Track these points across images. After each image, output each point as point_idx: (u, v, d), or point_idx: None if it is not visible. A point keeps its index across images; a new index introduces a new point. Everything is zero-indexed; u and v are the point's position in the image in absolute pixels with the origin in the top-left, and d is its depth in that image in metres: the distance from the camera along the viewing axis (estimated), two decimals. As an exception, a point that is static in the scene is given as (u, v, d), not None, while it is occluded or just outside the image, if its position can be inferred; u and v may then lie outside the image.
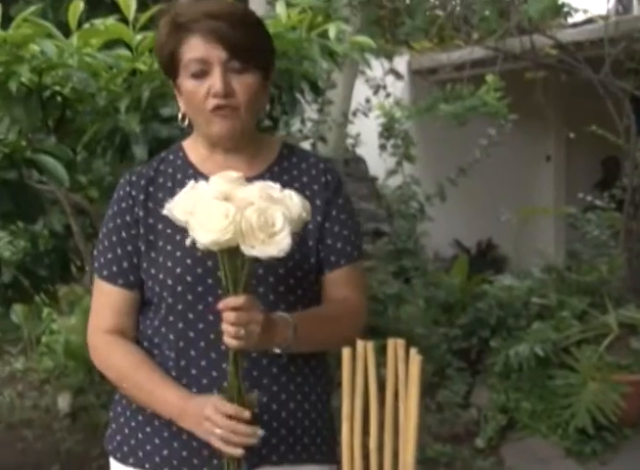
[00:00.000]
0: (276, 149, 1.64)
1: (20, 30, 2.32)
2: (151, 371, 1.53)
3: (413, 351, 1.23)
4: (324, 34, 2.78)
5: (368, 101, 6.09)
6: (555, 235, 7.30)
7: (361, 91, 6.14)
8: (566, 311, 4.31)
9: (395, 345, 1.25)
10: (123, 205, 1.59)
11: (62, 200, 2.84)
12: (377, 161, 6.42)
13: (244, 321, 1.36)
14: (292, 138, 5.27)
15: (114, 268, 1.57)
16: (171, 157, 1.64)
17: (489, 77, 4.98)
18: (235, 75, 1.49)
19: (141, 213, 1.57)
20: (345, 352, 1.26)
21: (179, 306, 1.52)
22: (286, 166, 1.62)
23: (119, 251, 1.57)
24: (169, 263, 1.52)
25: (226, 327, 1.37)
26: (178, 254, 1.52)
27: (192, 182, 1.42)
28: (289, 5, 2.80)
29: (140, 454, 1.56)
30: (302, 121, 5.37)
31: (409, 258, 5.89)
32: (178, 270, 1.51)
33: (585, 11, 5.45)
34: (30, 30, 2.35)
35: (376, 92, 6.14)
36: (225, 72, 1.48)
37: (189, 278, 1.51)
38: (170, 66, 1.54)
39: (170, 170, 1.61)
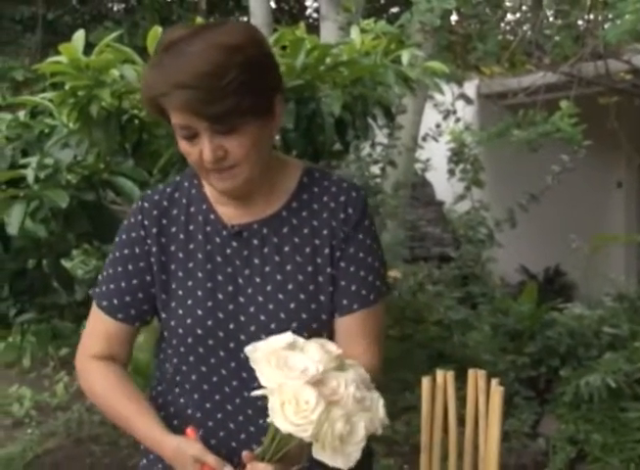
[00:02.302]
0: (296, 177, 1.49)
1: (101, 56, 2.39)
2: (127, 398, 1.46)
3: (494, 382, 1.21)
4: (396, 60, 2.79)
5: (438, 126, 6.07)
6: (626, 263, 7.16)
7: (430, 116, 6.13)
8: (638, 342, 4.20)
9: (476, 375, 1.23)
10: (133, 234, 1.49)
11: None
12: (445, 185, 6.39)
13: None
14: (361, 162, 5.28)
15: (115, 301, 1.49)
16: (186, 184, 1.52)
17: (564, 103, 4.92)
18: (225, 137, 1.33)
19: (154, 249, 1.47)
20: (425, 381, 1.25)
21: (191, 358, 1.46)
22: (305, 200, 1.48)
23: (123, 284, 1.49)
24: (180, 311, 1.45)
25: None
26: (189, 302, 1.45)
27: (288, 337, 1.26)
28: (362, 31, 2.82)
29: None
30: (372, 145, 5.37)
31: (476, 283, 5.82)
32: (189, 321, 1.44)
33: (661, 35, 5.35)
34: (112, 56, 2.42)
35: (446, 117, 6.11)
36: (212, 136, 1.33)
37: (199, 331, 1.43)
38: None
39: (184, 201, 1.50)
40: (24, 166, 2.48)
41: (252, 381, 1.42)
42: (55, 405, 4.91)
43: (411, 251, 7.00)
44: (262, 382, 1.19)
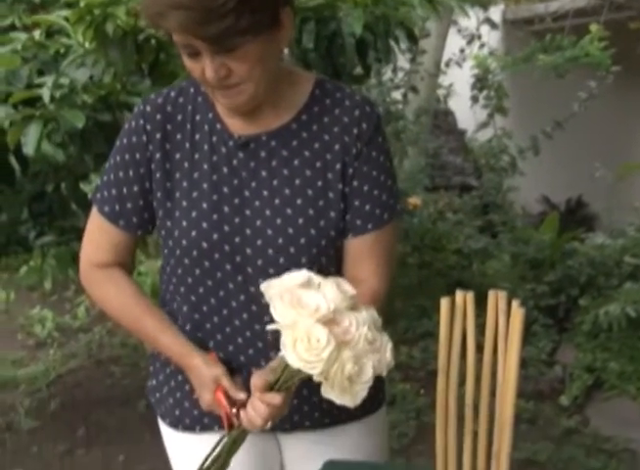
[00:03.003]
0: (308, 89, 1.43)
1: (117, -28, 2.32)
2: (147, 312, 1.45)
3: (515, 303, 1.19)
4: (421, -20, 2.70)
5: (462, 51, 5.94)
6: (651, 193, 7.05)
7: (454, 41, 5.99)
8: (660, 272, 4.17)
9: (497, 296, 1.21)
10: (134, 139, 1.42)
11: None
12: (467, 113, 6.28)
13: (270, 417, 1.26)
14: (383, 87, 5.19)
15: (117, 207, 1.44)
16: (192, 90, 1.45)
17: (593, 27, 4.78)
18: (227, 55, 1.27)
19: (157, 155, 1.41)
20: (444, 301, 1.22)
21: (196, 271, 1.43)
22: (316, 113, 1.42)
23: (125, 190, 1.43)
24: (184, 223, 1.40)
25: (251, 414, 1.27)
26: (194, 214, 1.40)
27: (304, 275, 1.22)
28: (387, -51, 2.72)
29: (177, 413, 1.52)
30: (394, 70, 5.26)
31: (496, 212, 5.78)
32: (193, 234, 1.39)
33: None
34: (128, -28, 2.35)
35: (470, 42, 5.97)
36: (214, 56, 1.28)
37: (204, 244, 1.39)
38: None
39: (190, 108, 1.44)
40: (40, 86, 2.44)
41: (263, 313, 1.40)
42: (76, 327, 4.97)
43: (431, 180, 6.94)
44: (276, 318, 1.18)
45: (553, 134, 5.49)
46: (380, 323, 1.23)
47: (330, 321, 1.16)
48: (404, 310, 4.73)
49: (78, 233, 1.54)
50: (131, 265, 1.52)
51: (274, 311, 1.18)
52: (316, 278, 1.21)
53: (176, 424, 1.53)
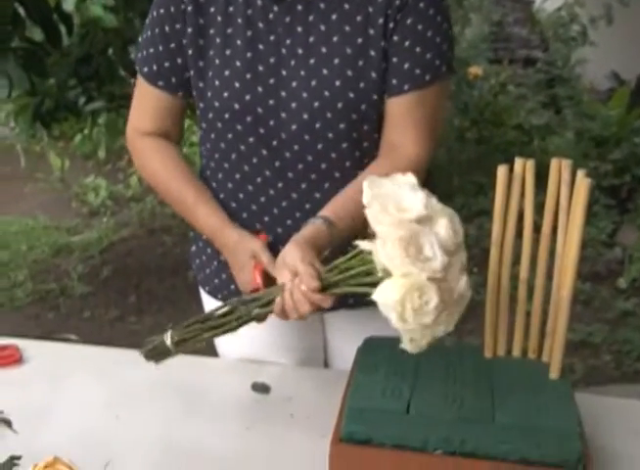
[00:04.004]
0: None
1: None
2: (187, 185, 1.38)
3: (581, 173, 1.07)
4: None
5: None
6: None
7: None
8: None
9: (560, 165, 1.09)
10: None
11: None
12: (536, -20, 5.92)
13: (310, 313, 1.11)
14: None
15: (155, 67, 1.37)
16: None
17: None
18: None
19: (189, 8, 1.31)
20: (501, 169, 1.11)
21: (229, 136, 1.34)
22: None
23: (161, 47, 1.35)
24: (217, 82, 1.31)
25: (289, 306, 1.11)
26: (227, 73, 1.30)
27: (421, 200, 1.03)
28: None
29: (216, 282, 1.48)
30: None
31: (562, 86, 5.53)
32: (225, 95, 1.30)
33: None
34: None
35: None
36: None
37: (237, 105, 1.30)
38: None
39: None
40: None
41: (299, 181, 1.33)
42: (129, 197, 4.98)
43: (495, 52, 6.65)
44: (380, 252, 1.00)
45: (629, 1, 5.13)
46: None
47: (419, 221, 1.01)
48: (461, 187, 4.62)
49: (128, 100, 1.46)
50: (178, 136, 1.45)
51: (382, 249, 1.00)
52: (431, 202, 1.03)
53: (215, 293, 1.49)
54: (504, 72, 5.36)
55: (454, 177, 4.56)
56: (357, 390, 1.11)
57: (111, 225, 4.59)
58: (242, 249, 1.31)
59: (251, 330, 1.19)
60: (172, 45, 1.34)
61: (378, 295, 1.01)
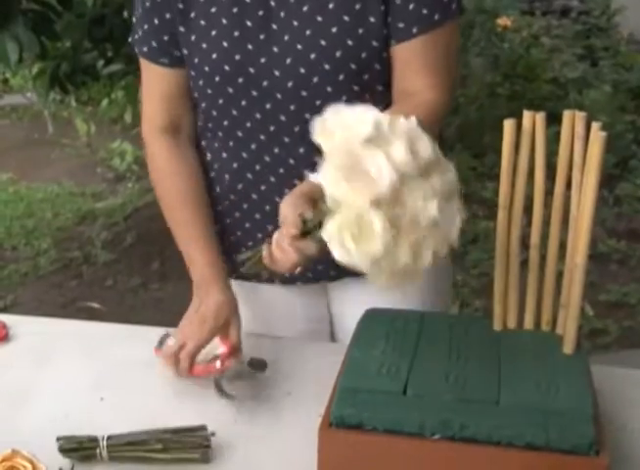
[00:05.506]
0: None
1: None
2: (192, 215, 1.31)
3: (595, 126, 0.95)
4: None
5: None
6: None
7: None
8: None
9: (573, 117, 0.98)
10: None
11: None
12: None
13: (300, 263, 1.04)
14: None
15: (154, 43, 1.28)
16: None
17: None
18: None
19: None
20: (508, 124, 1.00)
21: (220, 100, 1.26)
22: None
23: (156, 20, 1.27)
24: (204, 45, 1.23)
25: (278, 257, 1.04)
26: (213, 32, 1.22)
27: (370, 121, 0.92)
28: None
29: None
30: None
31: (599, 37, 5.32)
32: (214, 56, 1.22)
33: None
34: None
35: None
36: None
37: (227, 67, 1.21)
38: None
39: None
40: None
41: (296, 145, 1.24)
42: (154, 162, 4.93)
43: (530, 4, 6.42)
44: (326, 187, 0.93)
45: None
46: (455, 188, 0.95)
47: (390, 200, 0.89)
48: (493, 144, 4.47)
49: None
50: (190, 126, 1.34)
51: (324, 177, 0.93)
52: (386, 124, 0.92)
53: (230, 273, 1.40)
54: (536, 24, 5.16)
55: (485, 135, 4.41)
56: (351, 368, 1.02)
57: (135, 190, 4.54)
58: (218, 312, 1.25)
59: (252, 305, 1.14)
60: (168, 16, 1.25)
61: (324, 231, 0.92)
